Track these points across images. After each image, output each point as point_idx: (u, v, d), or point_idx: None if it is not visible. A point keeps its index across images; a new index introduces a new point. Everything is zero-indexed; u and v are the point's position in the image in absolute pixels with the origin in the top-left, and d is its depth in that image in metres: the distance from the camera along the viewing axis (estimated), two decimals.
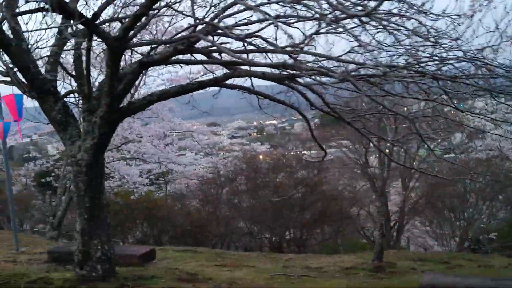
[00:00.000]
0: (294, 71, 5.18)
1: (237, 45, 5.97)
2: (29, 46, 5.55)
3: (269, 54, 5.42)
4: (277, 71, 5.43)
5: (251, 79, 5.81)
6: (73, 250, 8.52)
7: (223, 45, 5.06)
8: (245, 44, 5.40)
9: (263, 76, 5.34)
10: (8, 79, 5.98)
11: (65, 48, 6.08)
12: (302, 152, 27.65)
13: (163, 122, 15.77)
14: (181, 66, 6.18)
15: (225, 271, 7.36)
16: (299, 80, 5.58)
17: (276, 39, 5.10)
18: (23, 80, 5.56)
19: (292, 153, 20.10)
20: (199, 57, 5.69)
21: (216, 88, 6.09)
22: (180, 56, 5.38)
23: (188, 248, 10.81)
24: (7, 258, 8.69)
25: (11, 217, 9.72)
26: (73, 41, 5.43)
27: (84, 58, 5.18)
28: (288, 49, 5.15)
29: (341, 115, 6.05)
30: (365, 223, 19.22)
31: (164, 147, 16.89)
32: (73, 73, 5.68)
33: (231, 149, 27.59)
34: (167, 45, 4.99)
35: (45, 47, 6.21)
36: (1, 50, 5.69)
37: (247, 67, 5.45)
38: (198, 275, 6.34)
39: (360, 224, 17.03)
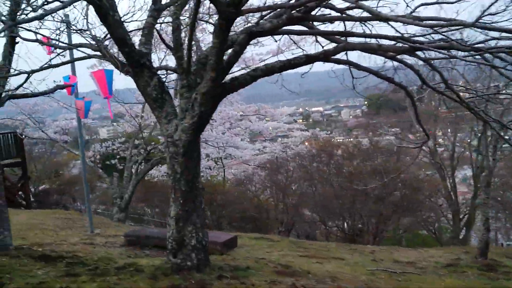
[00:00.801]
0: (416, 44, 4.58)
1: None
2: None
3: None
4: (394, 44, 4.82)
5: (346, 53, 5.27)
6: (149, 234, 8.37)
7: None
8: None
9: (378, 48, 4.76)
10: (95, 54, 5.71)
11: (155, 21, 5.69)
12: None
13: (234, 105, 15.36)
14: (290, 38, 5.66)
15: (314, 263, 6.90)
16: (419, 54, 4.97)
17: None
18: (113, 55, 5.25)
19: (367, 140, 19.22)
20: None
21: (300, 69, 5.58)
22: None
23: (261, 235, 10.45)
24: (84, 240, 8.61)
25: (86, 200, 9.66)
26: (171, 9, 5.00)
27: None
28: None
29: (461, 96, 5.38)
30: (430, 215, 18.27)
31: (227, 131, 16.60)
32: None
33: (290, 135, 27.02)
34: (278, 13, 4.48)
35: (131, 20, 5.83)
36: (88, 23, 5.41)
37: (361, 39, 4.87)
38: (291, 267, 5.90)
39: (438, 215, 16.07)
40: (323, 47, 5.75)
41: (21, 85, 5.58)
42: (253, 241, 9.12)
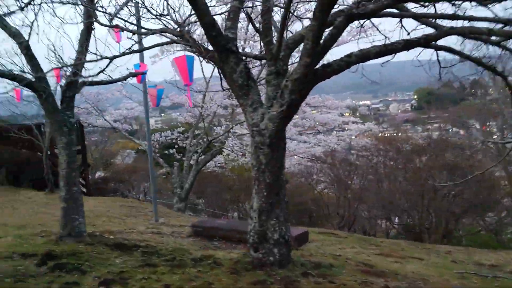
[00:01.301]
0: None
1: None
2: None
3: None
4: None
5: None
6: (216, 226, 8.26)
7: None
8: None
9: (488, 32, 4.33)
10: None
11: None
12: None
13: None
14: (371, 22, 5.30)
15: (393, 262, 6.55)
16: None
17: None
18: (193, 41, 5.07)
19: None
20: None
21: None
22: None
23: (325, 230, 10.16)
24: (151, 229, 8.61)
25: (152, 189, 9.67)
26: None
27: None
28: None
29: None
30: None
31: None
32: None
33: (345, 128, 26.37)
34: None
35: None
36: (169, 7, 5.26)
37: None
38: (374, 267, 5.59)
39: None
40: (408, 33, 5.36)
41: (102, 71, 5.51)
42: (320, 236, 8.84)
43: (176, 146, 17.27)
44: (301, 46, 4.59)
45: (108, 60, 5.42)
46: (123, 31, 5.81)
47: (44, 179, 16.61)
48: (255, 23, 5.01)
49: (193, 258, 5.68)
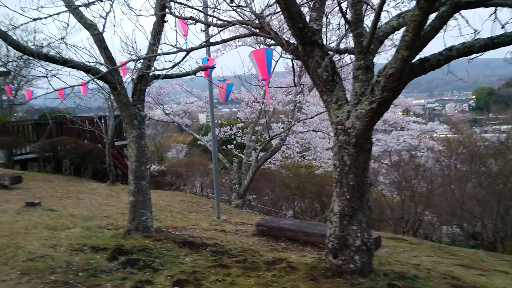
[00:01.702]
0: None
1: None
2: None
3: None
4: None
5: None
6: (282, 226, 8.02)
7: None
8: None
9: None
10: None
11: None
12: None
13: None
14: (461, 15, 4.86)
15: (477, 275, 6.07)
16: None
17: None
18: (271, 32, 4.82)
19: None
20: None
21: None
22: None
23: (393, 235, 9.70)
24: (215, 226, 8.49)
25: (215, 186, 9.57)
26: None
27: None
28: None
29: None
30: None
31: None
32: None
33: (406, 127, 25.46)
34: None
35: None
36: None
37: None
38: (463, 280, 5.16)
39: None
40: (502, 26, 4.86)
41: (177, 64, 5.37)
42: (390, 242, 8.41)
43: (234, 142, 17.22)
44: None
45: (183, 53, 5.26)
46: (196, 23, 5.63)
47: (105, 170, 17.06)
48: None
49: (266, 261, 5.46)
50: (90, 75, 6.10)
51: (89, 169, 16.19)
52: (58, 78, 5.66)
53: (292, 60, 6.04)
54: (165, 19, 6.82)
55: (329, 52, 4.92)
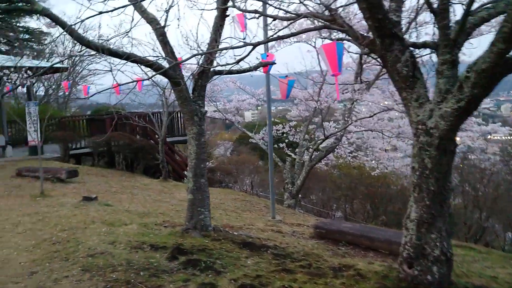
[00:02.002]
0: None
1: None
2: None
3: None
4: None
5: None
6: (342, 229, 7.72)
7: None
8: None
9: None
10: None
11: None
12: None
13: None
14: None
15: None
16: None
17: None
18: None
19: None
20: None
21: None
22: None
23: (460, 243, 9.18)
24: (270, 227, 8.29)
25: (270, 185, 9.37)
26: None
27: None
28: None
29: None
30: None
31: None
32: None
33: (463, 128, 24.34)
34: None
35: None
36: None
37: None
38: None
39: None
40: None
41: (242, 59, 5.18)
42: (457, 250, 7.91)
43: (286, 141, 16.98)
44: None
45: (249, 48, 5.06)
46: (259, 17, 5.43)
47: (157, 166, 17.22)
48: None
49: (331, 267, 5.19)
50: (153, 70, 6.02)
51: (141, 165, 16.38)
52: (123, 72, 5.58)
53: (360, 56, 5.73)
54: (227, 13, 6.67)
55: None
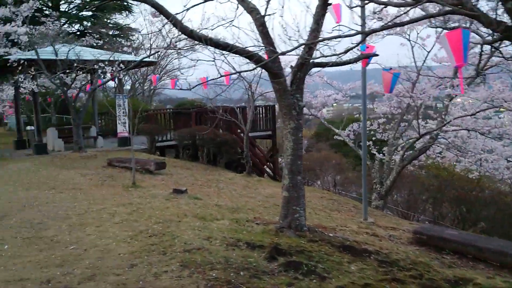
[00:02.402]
0: None
1: None
2: None
3: None
4: None
5: None
6: (446, 236, 7.11)
7: None
8: None
9: None
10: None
11: None
12: None
13: None
14: None
15: None
16: None
17: None
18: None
19: None
20: None
21: None
22: None
23: None
24: (365, 230, 7.84)
25: (363, 185, 8.91)
26: None
27: None
28: None
29: None
30: None
31: None
32: None
33: None
34: None
35: None
36: None
37: None
38: None
39: None
40: None
41: (351, 49, 4.81)
42: None
43: (373, 138, 16.31)
44: None
45: (355, 39, 4.67)
46: (368, 2, 5.01)
47: (238, 160, 17.23)
48: None
49: (446, 279, 4.72)
50: (253, 63, 5.82)
51: (224, 159, 16.43)
52: (227, 63, 5.42)
53: (481, 45, 5.15)
54: (329, 2, 6.31)
55: None
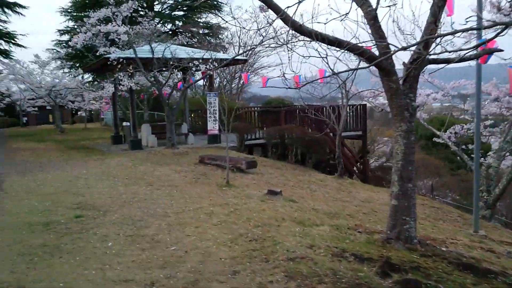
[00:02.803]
0: None
1: None
2: None
3: None
4: None
5: None
6: None
7: None
8: None
9: None
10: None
11: None
12: None
13: None
14: None
15: None
16: None
17: None
18: None
19: None
20: None
21: None
22: None
23: None
24: (478, 244, 7.09)
25: (474, 194, 8.11)
26: None
27: None
28: None
29: None
30: None
31: None
32: None
33: None
34: None
35: None
36: None
37: None
38: None
39: None
40: None
41: (484, 42, 4.23)
42: None
43: None
44: None
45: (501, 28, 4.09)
46: None
47: (328, 161, 16.75)
48: None
49: None
50: (364, 60, 5.38)
51: (313, 159, 16.03)
52: (339, 59, 5.08)
53: None
54: None
55: None
